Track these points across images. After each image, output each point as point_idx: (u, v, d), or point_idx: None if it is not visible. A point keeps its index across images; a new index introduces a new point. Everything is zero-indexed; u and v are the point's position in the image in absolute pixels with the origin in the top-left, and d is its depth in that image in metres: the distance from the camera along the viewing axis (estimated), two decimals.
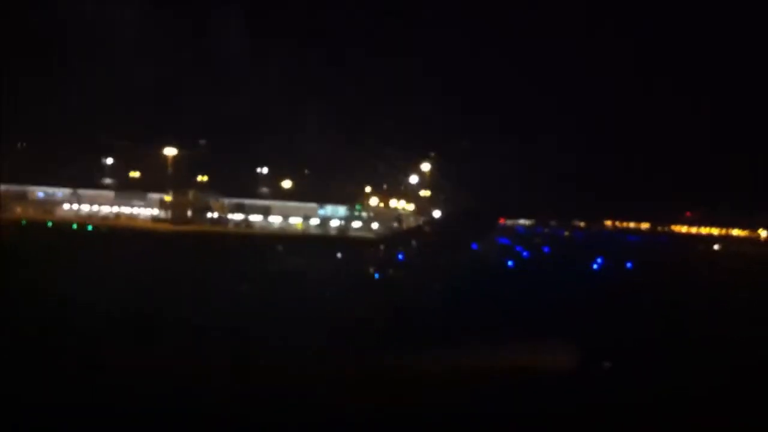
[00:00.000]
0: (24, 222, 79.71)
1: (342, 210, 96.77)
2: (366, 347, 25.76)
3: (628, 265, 65.45)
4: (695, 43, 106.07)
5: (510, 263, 62.87)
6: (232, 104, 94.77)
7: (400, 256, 62.59)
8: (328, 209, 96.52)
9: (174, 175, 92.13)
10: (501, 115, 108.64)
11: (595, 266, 64.10)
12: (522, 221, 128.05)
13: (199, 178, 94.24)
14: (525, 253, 73.18)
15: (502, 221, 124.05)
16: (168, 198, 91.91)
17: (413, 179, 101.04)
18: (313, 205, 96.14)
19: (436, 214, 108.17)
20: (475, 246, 76.33)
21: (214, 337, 26.37)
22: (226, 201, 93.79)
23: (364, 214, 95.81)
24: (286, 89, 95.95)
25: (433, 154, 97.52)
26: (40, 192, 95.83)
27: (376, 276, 48.67)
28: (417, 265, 58.27)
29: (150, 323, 28.28)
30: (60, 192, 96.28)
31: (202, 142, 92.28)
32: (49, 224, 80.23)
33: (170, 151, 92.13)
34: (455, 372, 23.72)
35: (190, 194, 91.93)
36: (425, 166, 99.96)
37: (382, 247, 66.91)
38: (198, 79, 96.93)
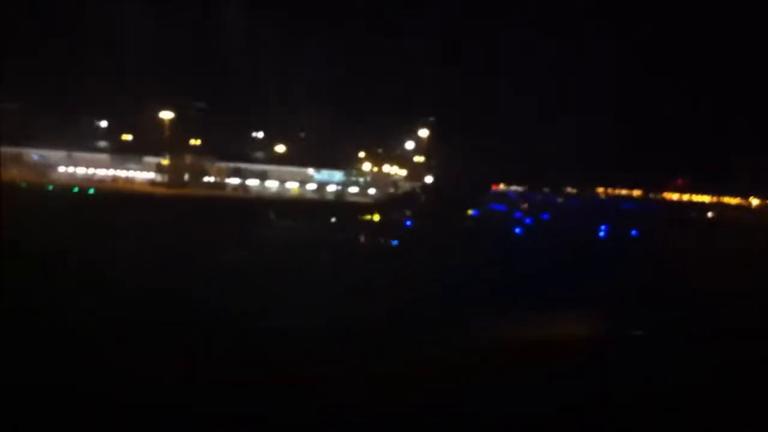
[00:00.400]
0: (25, 185, 79.11)
1: (338, 175, 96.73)
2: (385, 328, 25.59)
3: (633, 233, 65.69)
4: (692, 16, 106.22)
5: (518, 231, 62.78)
6: (229, 69, 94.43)
7: (407, 223, 62.39)
8: (325, 174, 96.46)
9: (171, 139, 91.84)
10: (496, 81, 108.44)
11: (600, 234, 64.26)
12: (514, 187, 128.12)
13: (196, 142, 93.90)
14: (527, 220, 73.19)
15: (495, 187, 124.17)
16: (165, 161, 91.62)
17: (408, 145, 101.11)
18: (309, 169, 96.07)
19: (428, 179, 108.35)
20: (476, 213, 76.34)
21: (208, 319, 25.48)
22: (224, 165, 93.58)
23: (360, 179, 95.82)
24: (284, 54, 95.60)
25: (430, 119, 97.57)
26: (34, 155, 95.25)
27: (393, 244, 48.42)
28: (422, 232, 58.16)
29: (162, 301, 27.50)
30: (54, 154, 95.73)
31: (200, 105, 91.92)
32: (50, 188, 79.74)
33: (167, 115, 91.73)
34: (492, 344, 23.66)
35: (187, 158, 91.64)
36: (421, 132, 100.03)
37: (383, 213, 66.58)
38: (195, 43, 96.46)
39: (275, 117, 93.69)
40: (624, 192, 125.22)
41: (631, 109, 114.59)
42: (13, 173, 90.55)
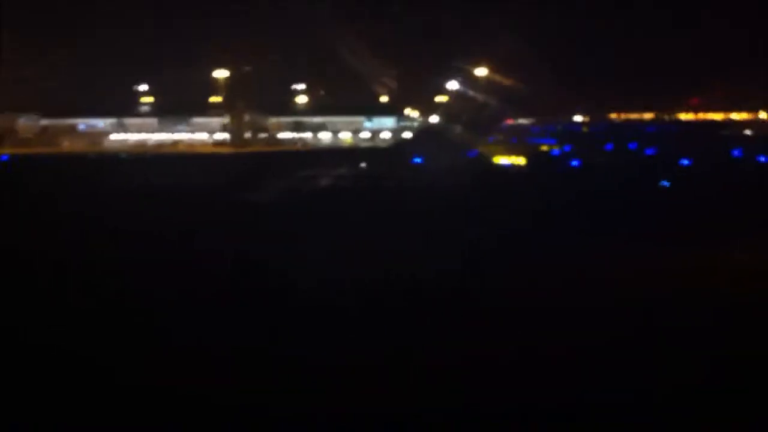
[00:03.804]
0: (123, 155, 78.23)
1: (390, 121, 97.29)
2: None
3: (736, 152, 65.28)
4: None
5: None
6: (278, 20, 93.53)
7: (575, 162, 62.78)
8: (376, 122, 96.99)
9: (228, 98, 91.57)
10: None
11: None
12: (523, 120, 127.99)
13: (245, 99, 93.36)
14: (648, 151, 72.88)
15: (509, 122, 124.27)
16: (227, 121, 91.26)
17: (451, 85, 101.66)
18: (362, 118, 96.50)
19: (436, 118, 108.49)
20: (556, 152, 76.70)
21: None
22: (281, 120, 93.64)
23: (413, 124, 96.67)
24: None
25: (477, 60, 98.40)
26: (82, 124, 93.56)
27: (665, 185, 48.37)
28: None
29: None
30: (102, 122, 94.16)
31: (247, 67, 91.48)
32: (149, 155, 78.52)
33: (221, 73, 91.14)
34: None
35: (247, 115, 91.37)
36: (465, 72, 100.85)
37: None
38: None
39: (320, 67, 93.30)
40: (634, 115, 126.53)
41: (634, 29, 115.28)
42: (65, 144, 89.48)
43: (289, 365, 12.62)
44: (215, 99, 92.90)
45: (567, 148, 77.90)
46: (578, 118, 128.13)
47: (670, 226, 31.04)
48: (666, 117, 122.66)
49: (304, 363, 12.78)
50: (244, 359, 13.07)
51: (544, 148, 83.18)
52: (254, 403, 11.33)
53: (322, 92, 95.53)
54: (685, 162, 58.58)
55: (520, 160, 62.97)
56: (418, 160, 64.57)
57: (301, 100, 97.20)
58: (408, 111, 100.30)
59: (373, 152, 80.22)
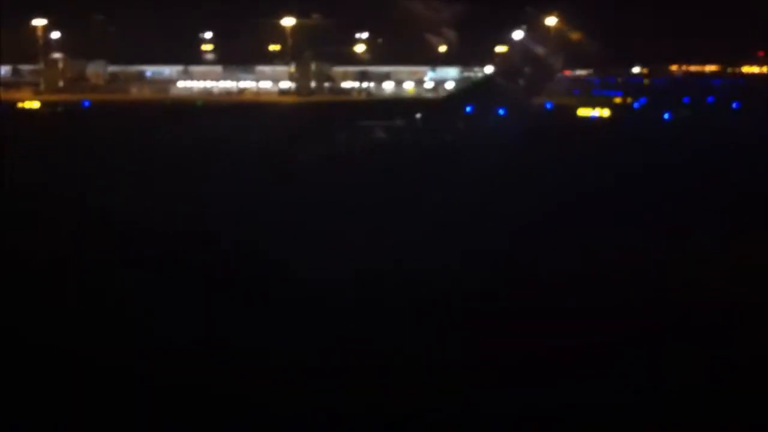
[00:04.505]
0: (200, 102, 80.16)
1: (453, 72, 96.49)
2: None
3: None
4: None
5: None
6: None
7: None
8: (440, 72, 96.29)
9: (291, 47, 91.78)
10: None
11: None
12: (580, 72, 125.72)
13: (311, 48, 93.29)
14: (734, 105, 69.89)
15: (566, 73, 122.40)
16: (292, 69, 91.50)
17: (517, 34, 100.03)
18: (425, 68, 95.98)
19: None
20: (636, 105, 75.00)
21: None
22: (347, 69, 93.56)
23: (477, 74, 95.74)
24: None
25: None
26: (149, 71, 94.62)
27: None
28: None
29: None
30: (167, 70, 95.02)
31: (315, 15, 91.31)
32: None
33: (287, 22, 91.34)
34: None
35: (313, 65, 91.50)
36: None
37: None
38: None
39: (394, 16, 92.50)
40: (693, 68, 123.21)
41: None
42: (132, 91, 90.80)
43: (289, 365, 13.07)
44: (281, 47, 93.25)
45: (642, 101, 76.50)
46: (636, 69, 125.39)
47: None
48: (729, 70, 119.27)
49: (303, 363, 13.22)
50: (244, 359, 13.56)
51: (618, 100, 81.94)
52: (254, 403, 11.80)
53: (380, 41, 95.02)
54: None
55: (605, 113, 62.16)
56: (476, 111, 64.19)
57: (366, 49, 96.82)
58: (471, 61, 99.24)
59: (432, 103, 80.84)
